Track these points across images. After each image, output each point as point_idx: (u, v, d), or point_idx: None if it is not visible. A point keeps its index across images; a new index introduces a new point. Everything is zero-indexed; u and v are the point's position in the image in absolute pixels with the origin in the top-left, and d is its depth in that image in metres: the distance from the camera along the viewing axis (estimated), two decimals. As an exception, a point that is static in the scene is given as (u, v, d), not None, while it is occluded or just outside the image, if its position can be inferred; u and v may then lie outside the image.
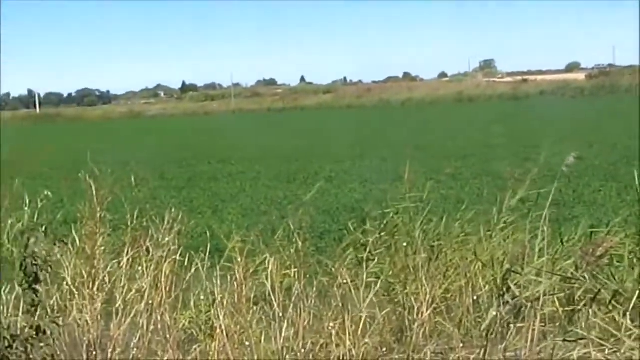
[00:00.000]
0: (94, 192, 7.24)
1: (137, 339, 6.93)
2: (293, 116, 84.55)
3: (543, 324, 6.12)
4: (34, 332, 4.95)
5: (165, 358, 6.70)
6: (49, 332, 5.00)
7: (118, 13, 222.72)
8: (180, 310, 7.21)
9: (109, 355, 6.75)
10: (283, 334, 6.27)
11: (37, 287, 5.07)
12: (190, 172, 27.37)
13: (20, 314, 6.53)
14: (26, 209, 9.99)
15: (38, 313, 5.11)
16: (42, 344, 4.94)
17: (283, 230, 8.05)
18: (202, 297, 7.10)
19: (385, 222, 8.13)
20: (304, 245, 6.77)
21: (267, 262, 6.72)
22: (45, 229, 5.27)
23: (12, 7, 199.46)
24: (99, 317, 6.96)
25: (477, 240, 7.78)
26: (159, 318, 6.99)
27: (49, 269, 5.17)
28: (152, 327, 6.98)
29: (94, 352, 6.68)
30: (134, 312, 6.98)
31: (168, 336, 6.81)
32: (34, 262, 4.99)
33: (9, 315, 6.25)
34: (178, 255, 7.28)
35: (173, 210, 7.45)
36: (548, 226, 6.52)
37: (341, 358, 6.23)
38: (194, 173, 26.94)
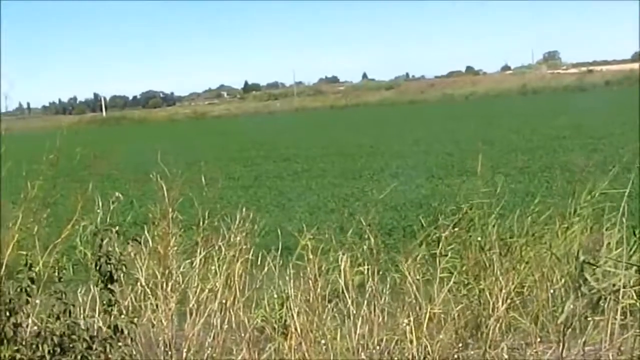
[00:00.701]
0: (165, 193, 7.28)
1: (211, 338, 6.94)
2: (356, 113, 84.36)
3: (622, 317, 6.00)
4: (112, 332, 4.98)
5: (240, 357, 6.70)
6: (126, 332, 5.02)
7: (180, 15, 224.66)
8: (253, 308, 7.22)
9: (184, 355, 6.77)
10: (358, 331, 6.23)
11: (112, 286, 5.09)
12: (255, 171, 27.46)
13: (97, 314, 6.62)
14: (98, 210, 10.08)
15: (114, 313, 5.12)
16: (120, 344, 4.97)
17: (352, 228, 8.03)
18: (275, 296, 7.10)
19: (458, 217, 8.06)
20: (376, 241, 6.71)
21: (339, 259, 6.68)
22: (117, 229, 5.29)
23: (78, 13, 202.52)
24: (173, 317, 6.99)
25: (551, 234, 7.67)
26: (232, 317, 7.00)
27: (123, 268, 5.20)
28: (225, 326, 6.99)
29: (169, 352, 6.71)
30: (207, 312, 7.00)
31: (242, 335, 6.81)
32: (108, 261, 5.02)
33: (86, 316, 6.32)
34: (252, 254, 7.28)
35: (244, 209, 7.47)
36: (624, 218, 6.41)
37: (416, 354, 6.17)
38: (260, 172, 27.01)
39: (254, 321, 7.05)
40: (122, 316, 5.11)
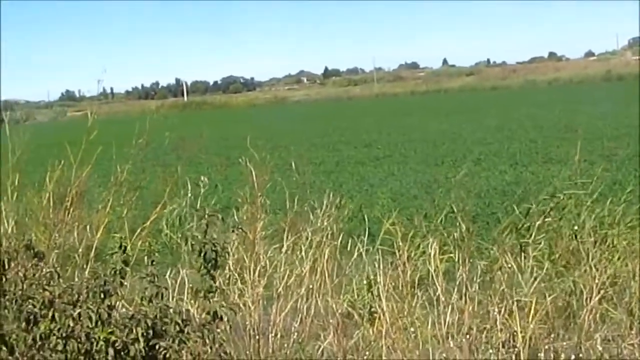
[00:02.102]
0: (254, 177, 7.28)
1: (298, 323, 6.94)
2: (436, 99, 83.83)
3: None
4: (211, 318, 4.99)
5: (326, 342, 6.68)
6: (225, 319, 5.04)
7: (259, 2, 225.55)
8: (339, 294, 7.19)
9: (270, 339, 6.77)
10: (447, 319, 6.16)
11: (215, 273, 5.11)
12: (337, 156, 27.43)
13: (185, 297, 6.66)
14: (190, 195, 10.17)
15: (215, 299, 5.14)
16: (218, 330, 4.98)
17: (437, 214, 7.95)
18: (364, 281, 7.06)
19: (549, 206, 7.92)
20: (466, 228, 6.62)
21: (429, 245, 6.60)
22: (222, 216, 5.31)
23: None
24: (260, 301, 7.00)
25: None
26: (319, 302, 6.98)
27: (227, 255, 5.22)
28: (312, 312, 6.98)
29: (257, 336, 6.72)
30: (294, 297, 7.00)
31: (329, 320, 6.79)
32: (213, 248, 5.03)
33: (178, 299, 6.37)
34: (339, 240, 7.25)
35: (331, 194, 7.45)
36: None
37: (506, 343, 6.08)
38: (341, 157, 26.97)
39: (340, 307, 7.02)
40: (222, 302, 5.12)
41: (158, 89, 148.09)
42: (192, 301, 6.58)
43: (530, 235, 7.33)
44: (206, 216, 5.16)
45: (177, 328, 4.94)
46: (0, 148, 11.13)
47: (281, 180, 8.12)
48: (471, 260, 6.57)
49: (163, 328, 4.94)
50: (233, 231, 5.97)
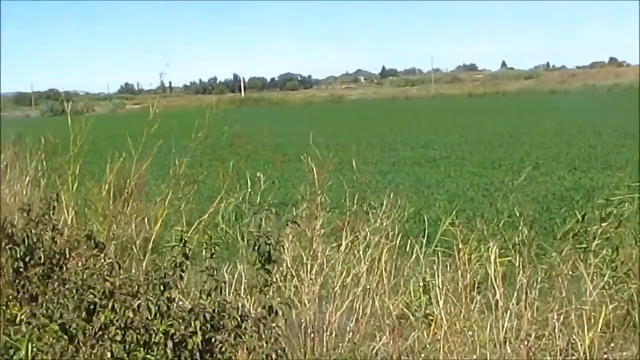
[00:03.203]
0: (315, 175, 7.26)
1: (353, 322, 6.92)
2: (494, 101, 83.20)
3: None
4: (267, 313, 4.99)
5: (380, 343, 6.65)
6: (280, 313, 5.03)
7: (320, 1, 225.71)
8: (395, 295, 7.15)
9: (325, 338, 6.75)
10: (505, 325, 6.08)
11: (269, 267, 5.10)
12: (393, 156, 27.35)
13: (242, 292, 6.67)
14: (249, 190, 10.19)
15: (270, 294, 5.14)
16: (274, 325, 4.97)
17: (494, 217, 7.86)
18: (421, 283, 7.02)
19: (608, 212, 7.79)
20: (529, 233, 6.53)
21: (489, 249, 6.52)
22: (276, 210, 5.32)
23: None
24: (316, 300, 6.98)
25: None
26: (376, 303, 6.95)
27: (281, 249, 5.21)
28: (367, 312, 6.95)
29: (312, 334, 6.70)
30: (350, 296, 6.97)
31: (384, 321, 6.76)
32: (267, 241, 5.02)
33: (235, 294, 6.38)
34: (397, 240, 7.20)
35: (391, 195, 7.41)
36: None
37: (563, 351, 5.99)
38: (398, 158, 26.89)
39: (396, 308, 6.99)
40: (278, 297, 5.11)
41: (216, 84, 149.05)
42: (248, 296, 6.60)
43: (590, 242, 7.23)
44: (261, 211, 5.17)
45: (234, 322, 4.95)
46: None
47: (341, 178, 8.09)
48: (532, 266, 6.47)
49: (220, 322, 4.95)
50: (287, 225, 5.96)
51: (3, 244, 6.49)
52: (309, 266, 7.00)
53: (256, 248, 5.06)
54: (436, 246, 7.58)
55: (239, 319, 4.93)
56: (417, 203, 14.99)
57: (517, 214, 6.93)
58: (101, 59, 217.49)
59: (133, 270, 7.74)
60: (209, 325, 4.91)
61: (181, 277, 5.14)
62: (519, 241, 6.51)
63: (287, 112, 78.29)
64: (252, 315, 5.12)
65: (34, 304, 6.03)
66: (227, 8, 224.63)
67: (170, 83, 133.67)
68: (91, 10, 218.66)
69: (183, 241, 5.19)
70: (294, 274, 6.98)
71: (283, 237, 5.53)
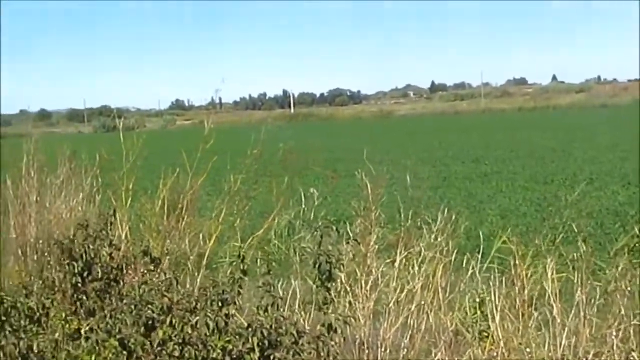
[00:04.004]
0: (369, 190, 7.25)
1: (407, 339, 6.89)
2: (545, 115, 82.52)
3: None
4: (326, 330, 4.99)
5: (436, 359, 6.62)
6: (339, 331, 5.03)
7: (367, 14, 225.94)
8: (450, 311, 7.10)
9: (379, 354, 6.74)
10: (563, 342, 6.02)
11: (329, 285, 5.11)
12: (444, 171, 27.27)
13: (297, 309, 6.67)
14: (303, 206, 10.21)
15: (329, 311, 5.13)
16: (332, 342, 4.97)
17: (548, 233, 7.77)
18: (476, 299, 6.96)
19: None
20: (586, 249, 6.44)
21: (545, 265, 6.45)
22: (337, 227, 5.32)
23: (269, 13, 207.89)
24: (371, 316, 6.97)
25: None
26: (430, 319, 6.92)
27: (341, 267, 5.21)
28: (422, 328, 6.92)
29: (366, 351, 6.69)
30: (404, 312, 6.95)
31: (439, 337, 6.72)
32: (327, 260, 5.03)
33: (293, 310, 6.38)
34: (452, 255, 7.17)
35: (445, 210, 7.38)
36: None
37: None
38: (448, 173, 26.81)
39: (451, 324, 6.94)
40: (337, 315, 5.11)
41: (265, 99, 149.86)
42: (303, 312, 6.60)
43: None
44: (320, 228, 5.17)
45: (292, 339, 4.96)
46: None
47: (396, 193, 8.07)
48: (589, 282, 6.40)
49: (278, 339, 4.96)
50: (348, 243, 5.96)
51: (61, 259, 6.57)
52: (363, 282, 6.99)
53: (316, 266, 5.06)
54: (491, 262, 7.52)
55: (296, 335, 4.93)
56: (469, 218, 14.93)
57: (572, 229, 6.85)
58: (153, 75, 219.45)
59: (187, 286, 7.78)
60: (266, 342, 4.92)
61: (239, 293, 5.16)
62: (577, 257, 6.43)
63: (336, 128, 78.42)
64: (308, 331, 5.13)
65: (91, 318, 6.09)
66: (276, 25, 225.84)
67: (220, 99, 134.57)
68: (142, 27, 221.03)
69: (241, 257, 5.20)
70: (348, 289, 6.97)
71: (343, 255, 5.51)
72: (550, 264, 6.37)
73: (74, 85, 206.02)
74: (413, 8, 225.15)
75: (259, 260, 5.83)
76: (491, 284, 6.64)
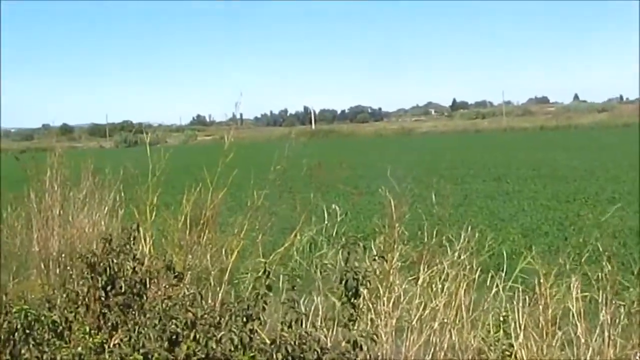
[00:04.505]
0: (393, 208, 7.25)
1: (430, 357, 6.87)
2: (567, 135, 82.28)
3: None
4: (351, 347, 4.97)
5: (457, 378, 6.60)
6: (365, 348, 5.01)
7: (392, 31, 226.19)
8: (473, 329, 7.07)
9: (402, 373, 6.72)
10: (588, 362, 5.98)
11: (356, 302, 5.09)
12: (465, 189, 27.19)
13: (319, 325, 6.66)
14: (326, 222, 10.19)
15: (354, 328, 5.12)
16: (356, 359, 4.95)
17: (575, 252, 7.73)
18: (500, 318, 6.92)
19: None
20: (612, 269, 6.40)
21: (571, 284, 6.42)
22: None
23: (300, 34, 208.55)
24: (393, 333, 6.95)
25: None
26: (453, 337, 6.89)
27: (368, 284, 5.20)
28: (445, 346, 6.89)
29: (388, 369, 6.68)
30: (427, 330, 6.92)
31: (463, 356, 6.70)
32: (354, 276, 5.02)
33: (318, 326, 6.37)
34: (476, 274, 7.15)
35: (469, 228, 7.36)
36: None
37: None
38: (470, 191, 26.73)
39: (474, 343, 6.92)
40: (365, 330, 5.09)
41: (286, 116, 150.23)
42: (325, 329, 6.59)
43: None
44: (348, 244, 5.16)
45: (315, 355, 4.94)
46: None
47: (420, 211, 8.07)
48: (614, 302, 6.36)
49: (302, 355, 4.94)
50: (374, 260, 5.95)
51: (85, 272, 6.59)
52: (385, 299, 6.98)
53: (343, 282, 5.05)
54: (514, 281, 7.49)
55: (319, 351, 4.92)
56: (487, 237, 14.88)
57: (596, 248, 6.81)
58: (174, 91, 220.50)
59: (209, 301, 7.79)
60: (290, 358, 4.90)
61: (263, 309, 5.15)
62: (602, 276, 6.39)
63: (357, 145, 78.42)
64: (329, 347, 5.11)
65: (115, 332, 6.11)
66: (298, 43, 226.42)
67: (241, 115, 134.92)
68: (163, 43, 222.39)
69: (267, 273, 5.20)
70: (370, 306, 6.96)
71: (369, 272, 5.49)
72: (575, 283, 6.34)
73: (96, 100, 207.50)
74: (434, 27, 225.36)
75: (281, 276, 5.81)
76: (515, 302, 6.60)
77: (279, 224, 12.18)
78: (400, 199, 7.35)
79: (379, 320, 6.95)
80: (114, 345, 5.27)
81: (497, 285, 7.11)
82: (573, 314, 6.23)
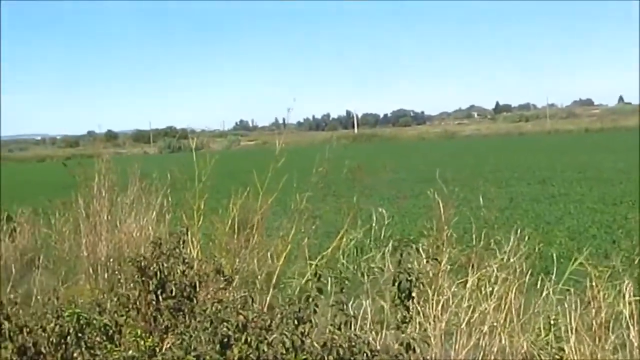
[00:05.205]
0: (442, 210, 7.23)
1: (479, 360, 6.83)
2: (612, 137, 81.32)
3: None
4: (404, 349, 4.95)
5: (509, 381, 6.56)
6: (418, 350, 4.99)
7: (435, 35, 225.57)
8: (522, 333, 7.02)
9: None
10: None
11: (409, 303, 5.08)
12: (510, 192, 26.98)
13: (367, 328, 6.66)
14: (374, 225, 10.18)
15: (408, 330, 5.10)
16: (411, 362, 4.94)
17: (622, 255, 7.65)
18: (550, 321, 6.87)
19: None
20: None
21: (624, 287, 6.35)
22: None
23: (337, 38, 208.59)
24: (442, 336, 6.92)
25: None
26: (503, 340, 6.85)
27: (421, 286, 5.18)
28: (494, 350, 6.85)
29: (438, 372, 6.65)
30: (476, 334, 6.89)
31: (512, 359, 6.65)
32: (408, 278, 5.01)
33: (368, 329, 6.37)
34: (526, 277, 7.10)
35: (519, 231, 7.32)
36: None
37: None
38: (515, 194, 26.51)
39: (523, 346, 6.87)
40: (416, 333, 5.08)
41: (329, 120, 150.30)
42: (373, 332, 6.58)
43: None
44: (401, 246, 5.14)
45: (365, 357, 4.93)
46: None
47: (468, 214, 8.03)
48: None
49: (352, 358, 4.93)
50: (427, 261, 5.94)
51: (135, 276, 6.64)
52: (434, 302, 6.95)
53: (396, 284, 5.03)
54: (564, 284, 7.43)
55: (369, 354, 4.91)
56: (537, 240, 14.76)
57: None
58: (218, 97, 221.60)
59: (257, 304, 7.82)
60: (340, 360, 4.90)
61: (314, 312, 5.15)
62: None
63: (399, 149, 78.21)
64: (378, 349, 5.10)
65: (165, 336, 6.15)
66: (340, 45, 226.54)
67: (284, 120, 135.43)
68: (207, 49, 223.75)
69: (318, 276, 5.20)
70: (419, 309, 6.93)
71: (422, 274, 5.48)
72: (628, 286, 6.27)
73: (139, 106, 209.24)
74: (477, 30, 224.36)
75: (329, 279, 5.81)
76: (566, 305, 6.54)
77: (323, 227, 12.20)
78: (447, 202, 7.32)
79: (427, 324, 6.92)
80: (166, 348, 5.29)
81: (547, 288, 7.04)
82: (625, 317, 6.16)
